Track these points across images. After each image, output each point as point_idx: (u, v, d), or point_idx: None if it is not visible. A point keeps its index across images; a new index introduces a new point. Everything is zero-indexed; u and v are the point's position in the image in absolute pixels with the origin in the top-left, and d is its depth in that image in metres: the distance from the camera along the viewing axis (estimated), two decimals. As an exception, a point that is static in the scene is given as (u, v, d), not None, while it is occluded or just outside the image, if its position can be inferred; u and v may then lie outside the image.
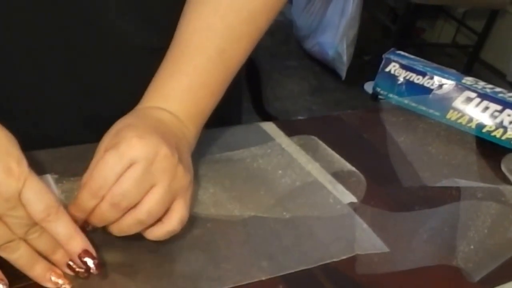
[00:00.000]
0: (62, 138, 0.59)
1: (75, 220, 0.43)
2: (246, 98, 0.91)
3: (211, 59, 0.53)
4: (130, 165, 0.43)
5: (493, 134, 0.74)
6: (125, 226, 0.45)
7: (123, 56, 0.61)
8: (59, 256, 0.43)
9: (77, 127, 0.63)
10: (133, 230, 0.45)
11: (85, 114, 0.62)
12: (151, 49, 0.57)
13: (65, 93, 0.61)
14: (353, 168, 0.64)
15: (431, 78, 0.77)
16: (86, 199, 0.44)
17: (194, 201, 0.53)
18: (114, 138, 0.45)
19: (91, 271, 0.43)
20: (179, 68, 0.53)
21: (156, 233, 0.46)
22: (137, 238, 0.48)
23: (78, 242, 0.42)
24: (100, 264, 0.43)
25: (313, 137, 0.68)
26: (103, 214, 0.44)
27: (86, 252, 0.42)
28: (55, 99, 0.61)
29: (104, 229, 0.46)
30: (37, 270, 0.43)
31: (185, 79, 0.52)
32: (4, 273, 0.42)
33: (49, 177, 0.53)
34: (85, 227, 0.45)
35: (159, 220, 0.46)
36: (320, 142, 0.68)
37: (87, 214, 0.44)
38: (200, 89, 0.53)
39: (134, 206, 0.44)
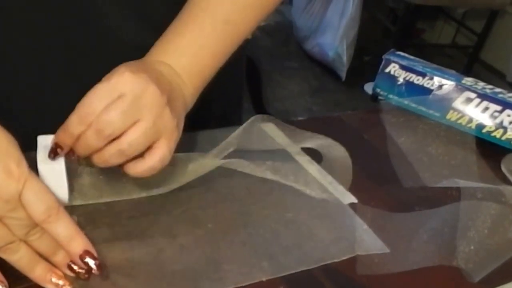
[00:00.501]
0: None
1: (62, 145, 0.46)
2: (246, 99, 0.91)
3: (216, 25, 0.55)
4: (118, 97, 0.45)
5: (493, 134, 0.74)
6: (106, 155, 0.46)
7: (123, 56, 0.61)
8: (59, 258, 0.43)
9: None
10: (114, 160, 0.47)
11: None
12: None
13: (65, 94, 0.61)
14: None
15: (431, 78, 0.77)
16: (73, 124, 0.45)
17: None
18: (109, 73, 0.47)
19: (92, 271, 0.43)
20: (185, 28, 0.54)
21: (136, 168, 0.48)
22: (139, 239, 0.48)
23: (79, 243, 0.42)
24: (101, 265, 0.43)
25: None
26: (87, 140, 0.45)
27: (87, 253, 0.43)
28: (55, 99, 0.61)
29: (88, 163, 0.48)
30: (37, 272, 0.43)
31: (189, 36, 0.54)
32: (4, 274, 0.42)
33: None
34: (71, 155, 0.47)
35: (140, 156, 0.47)
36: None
37: (73, 140, 0.46)
38: (201, 49, 0.54)
39: (118, 137, 0.46)
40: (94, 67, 0.60)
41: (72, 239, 0.42)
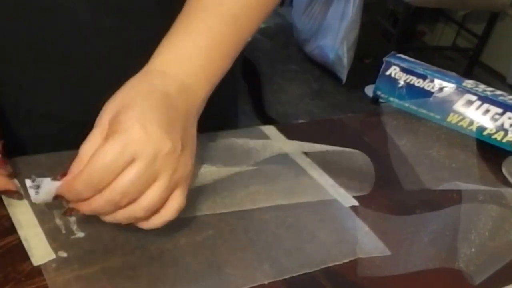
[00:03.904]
0: (60, 140, 0.59)
1: (63, 197, 0.44)
2: (246, 102, 0.91)
3: (224, 22, 0.52)
4: (131, 160, 0.42)
5: (493, 137, 0.74)
6: (120, 218, 0.44)
7: (115, 56, 0.61)
8: None
9: (71, 131, 0.62)
10: (127, 222, 0.45)
11: (78, 119, 0.62)
12: (144, 46, 0.58)
13: (58, 96, 0.61)
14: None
15: (432, 81, 0.77)
16: (82, 189, 0.42)
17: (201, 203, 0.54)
18: (115, 122, 0.43)
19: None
20: (191, 29, 0.51)
21: (152, 223, 0.45)
22: (141, 242, 0.48)
23: None
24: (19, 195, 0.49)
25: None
26: (98, 208, 0.43)
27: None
28: (49, 103, 0.61)
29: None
30: None
31: (196, 39, 0.51)
32: (8, 275, 0.42)
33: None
34: (73, 213, 0.46)
35: (156, 211, 0.45)
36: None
37: (80, 200, 0.43)
38: (213, 50, 0.51)
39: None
40: (87, 72, 0.60)
41: None
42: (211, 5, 0.53)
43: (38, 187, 0.48)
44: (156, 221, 0.45)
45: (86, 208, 0.44)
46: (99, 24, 0.58)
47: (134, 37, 0.60)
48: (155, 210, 0.45)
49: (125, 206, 0.43)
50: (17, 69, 0.60)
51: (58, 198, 0.45)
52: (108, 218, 0.45)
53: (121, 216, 0.44)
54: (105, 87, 0.58)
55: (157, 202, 0.44)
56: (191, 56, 0.50)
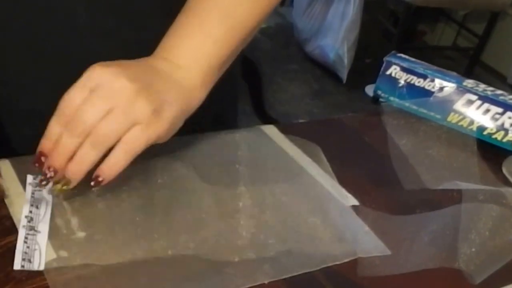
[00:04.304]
0: None
1: (44, 153, 0.48)
2: (246, 102, 0.91)
3: (216, 14, 0.54)
4: (90, 90, 0.47)
5: (494, 136, 0.74)
6: (81, 151, 0.47)
7: (114, 57, 0.61)
8: None
9: None
10: (91, 156, 0.47)
11: None
12: (142, 47, 0.58)
13: (57, 96, 0.61)
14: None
15: (432, 81, 0.77)
16: (53, 126, 0.48)
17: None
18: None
19: None
20: (185, 22, 0.54)
21: (110, 160, 0.48)
22: (141, 242, 0.48)
23: None
24: None
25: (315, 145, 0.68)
26: (64, 141, 0.47)
27: None
28: (48, 103, 0.61)
29: (64, 183, 0.48)
30: None
31: (188, 29, 0.54)
32: (9, 275, 0.42)
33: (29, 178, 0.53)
34: (45, 178, 0.48)
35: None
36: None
37: (54, 143, 0.47)
38: (201, 37, 0.53)
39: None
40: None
41: None
42: (205, 4, 0.54)
43: (37, 185, 0.49)
44: (114, 156, 0.48)
45: (56, 152, 0.47)
46: (97, 24, 0.58)
47: (133, 37, 0.60)
48: (114, 140, 0.47)
49: (83, 135, 0.47)
50: (16, 70, 0.60)
51: (36, 161, 0.48)
52: (75, 162, 0.47)
53: (84, 148, 0.47)
54: None
55: (111, 129, 0.47)
56: (178, 43, 0.53)
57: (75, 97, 0.47)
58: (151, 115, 0.48)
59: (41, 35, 0.58)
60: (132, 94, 0.47)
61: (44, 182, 0.48)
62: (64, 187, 0.49)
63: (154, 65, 0.51)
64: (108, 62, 0.49)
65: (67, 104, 0.47)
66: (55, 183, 0.49)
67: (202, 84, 0.54)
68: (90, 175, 0.49)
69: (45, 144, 0.48)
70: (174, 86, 0.51)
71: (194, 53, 0.53)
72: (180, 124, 0.53)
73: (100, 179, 0.48)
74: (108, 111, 0.46)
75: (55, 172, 0.48)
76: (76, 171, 0.48)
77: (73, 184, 0.48)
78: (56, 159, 0.48)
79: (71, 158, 0.47)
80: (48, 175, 0.48)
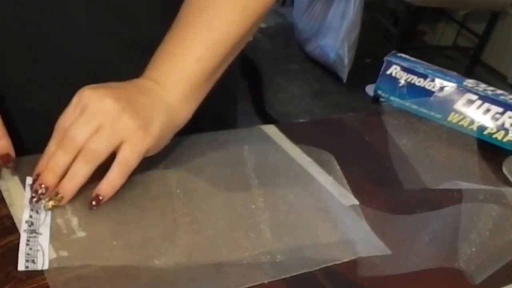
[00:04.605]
0: None
1: (41, 168, 0.50)
2: (247, 101, 0.91)
3: (196, 31, 0.56)
4: (81, 111, 0.50)
5: (494, 136, 0.74)
6: (73, 168, 0.49)
7: (112, 56, 0.61)
8: None
9: None
10: (83, 172, 0.49)
11: None
12: (140, 46, 0.58)
13: (56, 96, 0.61)
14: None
15: (432, 80, 0.77)
16: (50, 145, 0.51)
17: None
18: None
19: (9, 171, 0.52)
20: (168, 42, 0.56)
21: (105, 181, 0.50)
22: (141, 242, 0.48)
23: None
24: (14, 167, 0.52)
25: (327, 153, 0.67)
26: (56, 157, 0.49)
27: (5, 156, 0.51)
28: (47, 103, 0.61)
29: (55, 199, 0.49)
30: None
31: (169, 49, 0.56)
32: (10, 275, 0.42)
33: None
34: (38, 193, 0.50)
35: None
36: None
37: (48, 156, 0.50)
38: (182, 56, 0.55)
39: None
40: (83, 71, 0.61)
41: None
42: (188, 22, 0.56)
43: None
44: (109, 175, 0.50)
45: (49, 168, 0.49)
46: (96, 24, 0.58)
47: (132, 37, 0.60)
48: (104, 156, 0.50)
49: (74, 152, 0.49)
50: (15, 69, 0.60)
51: (34, 182, 0.50)
52: (67, 179, 0.49)
53: (75, 166, 0.49)
54: None
55: (101, 145, 0.49)
56: (159, 62, 0.56)
57: (68, 118, 0.50)
58: (137, 130, 0.50)
59: (40, 35, 0.58)
60: (117, 112, 0.50)
61: (35, 199, 0.49)
62: (56, 204, 0.50)
63: (140, 85, 0.54)
64: (97, 85, 0.52)
65: (61, 125, 0.50)
66: (48, 200, 0.50)
67: (186, 101, 0.56)
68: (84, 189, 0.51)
69: (41, 164, 0.50)
70: (159, 103, 0.53)
71: (177, 73, 0.55)
72: (168, 137, 0.55)
73: (100, 197, 0.50)
74: (97, 129, 0.49)
75: (46, 189, 0.49)
76: (69, 187, 0.49)
77: (65, 200, 0.50)
78: (47, 176, 0.49)
79: (62, 176, 0.49)
80: (40, 192, 0.49)
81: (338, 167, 0.64)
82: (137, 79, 0.55)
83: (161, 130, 0.53)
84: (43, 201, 0.49)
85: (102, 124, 0.49)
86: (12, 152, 0.53)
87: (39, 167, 0.50)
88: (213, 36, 0.56)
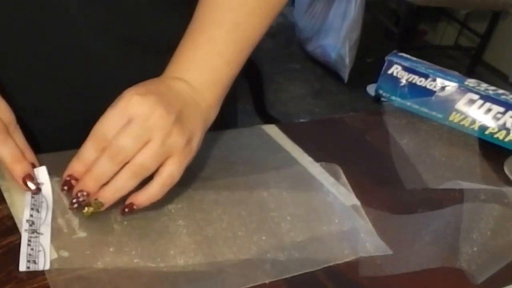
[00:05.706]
0: (58, 138, 0.59)
1: (76, 174, 0.49)
2: (248, 101, 0.91)
3: (225, 31, 0.55)
4: (128, 121, 0.47)
5: (495, 136, 0.74)
6: (120, 180, 0.48)
7: (110, 54, 0.61)
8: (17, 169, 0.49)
9: (69, 129, 0.63)
10: (129, 185, 0.48)
11: (76, 117, 0.62)
12: (139, 43, 0.58)
13: (55, 95, 0.61)
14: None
15: (434, 80, 0.77)
16: (88, 150, 0.48)
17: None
18: (118, 98, 0.49)
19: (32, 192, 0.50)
20: (195, 40, 0.55)
21: (146, 192, 0.49)
22: (142, 242, 0.48)
23: (22, 167, 0.49)
24: (39, 188, 0.50)
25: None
26: (101, 167, 0.47)
27: (28, 177, 0.49)
28: (47, 102, 0.61)
29: (96, 206, 0.48)
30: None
31: (200, 49, 0.55)
32: (10, 275, 0.42)
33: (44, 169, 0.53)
34: (78, 200, 0.49)
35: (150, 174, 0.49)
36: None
37: (87, 167, 0.48)
38: (214, 58, 0.55)
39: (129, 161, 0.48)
40: (80, 70, 0.60)
41: (16, 162, 0.48)
42: (214, 17, 0.56)
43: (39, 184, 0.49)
44: (151, 187, 0.49)
45: (90, 176, 0.48)
46: (94, 22, 0.58)
47: (129, 34, 0.60)
48: (150, 170, 0.48)
49: (122, 164, 0.47)
50: (12, 69, 0.60)
51: (66, 184, 0.49)
52: (111, 187, 0.48)
53: (121, 177, 0.48)
54: (101, 85, 0.58)
55: (151, 159, 0.48)
56: (195, 64, 0.55)
57: (114, 124, 0.48)
58: (185, 147, 0.50)
59: (39, 33, 0.58)
60: (168, 127, 0.48)
61: (76, 205, 0.49)
62: (96, 211, 0.49)
63: (177, 89, 0.52)
64: (141, 89, 0.50)
65: (105, 130, 0.48)
66: (85, 206, 0.49)
67: (217, 103, 0.56)
68: None
69: (77, 167, 0.49)
70: (197, 111, 0.53)
71: (210, 76, 0.55)
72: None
73: (135, 206, 0.49)
74: (146, 142, 0.48)
75: (87, 195, 0.48)
76: (111, 197, 0.48)
77: (104, 207, 0.49)
78: (89, 184, 0.48)
79: (105, 183, 0.48)
80: (81, 199, 0.48)
81: (345, 179, 0.63)
82: (173, 80, 0.54)
83: (200, 141, 0.53)
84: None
85: (153, 138, 0.48)
86: (36, 162, 0.52)
87: (73, 170, 0.49)
88: (241, 36, 0.56)
